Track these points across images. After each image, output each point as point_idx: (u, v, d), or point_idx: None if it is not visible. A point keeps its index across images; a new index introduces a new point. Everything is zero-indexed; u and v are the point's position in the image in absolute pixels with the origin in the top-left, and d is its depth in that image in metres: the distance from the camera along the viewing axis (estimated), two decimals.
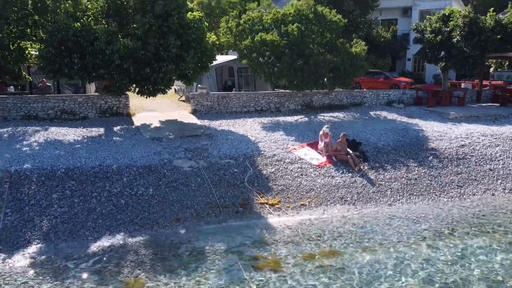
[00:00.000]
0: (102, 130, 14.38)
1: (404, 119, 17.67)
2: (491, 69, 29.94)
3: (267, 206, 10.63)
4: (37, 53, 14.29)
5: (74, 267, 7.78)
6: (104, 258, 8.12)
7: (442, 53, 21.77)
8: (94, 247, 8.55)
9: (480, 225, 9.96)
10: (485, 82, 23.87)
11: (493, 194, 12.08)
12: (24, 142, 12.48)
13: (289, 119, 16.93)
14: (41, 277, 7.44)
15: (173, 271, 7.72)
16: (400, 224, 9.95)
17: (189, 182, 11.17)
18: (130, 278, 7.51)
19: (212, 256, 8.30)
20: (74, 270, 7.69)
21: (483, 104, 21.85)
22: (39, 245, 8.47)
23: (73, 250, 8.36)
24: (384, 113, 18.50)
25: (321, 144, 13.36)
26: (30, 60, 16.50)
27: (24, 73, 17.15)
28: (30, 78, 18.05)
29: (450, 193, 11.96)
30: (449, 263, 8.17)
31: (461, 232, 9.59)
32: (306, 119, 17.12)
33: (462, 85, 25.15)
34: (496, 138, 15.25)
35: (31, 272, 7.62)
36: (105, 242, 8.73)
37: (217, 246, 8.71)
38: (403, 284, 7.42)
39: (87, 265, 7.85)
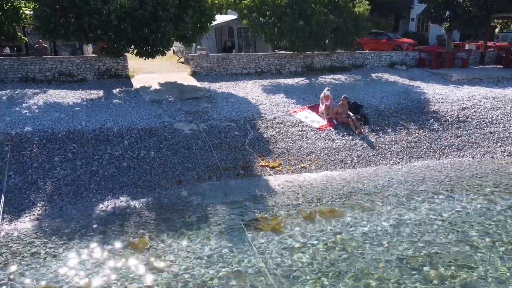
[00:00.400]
0: (101, 92, 14.26)
1: (406, 81, 17.51)
2: (496, 30, 29.31)
3: (268, 168, 10.72)
4: (32, 13, 13.93)
5: (79, 228, 7.95)
6: (108, 219, 8.27)
7: (447, 12, 21.24)
8: (97, 208, 8.69)
9: (478, 187, 10.09)
10: (489, 44, 23.44)
11: (492, 157, 12.17)
12: (24, 105, 12.41)
13: (290, 81, 16.76)
14: (46, 238, 7.61)
15: (176, 232, 7.90)
16: (399, 186, 10.08)
17: (190, 145, 11.20)
18: (134, 238, 7.68)
19: (214, 217, 8.46)
20: (79, 231, 7.86)
21: (486, 66, 21.57)
22: (44, 207, 8.60)
23: (77, 212, 8.51)
24: (386, 75, 18.30)
25: (322, 107, 13.30)
26: (25, 20, 16.12)
27: (19, 33, 16.78)
28: (26, 39, 17.68)
29: (450, 156, 12.04)
30: (446, 223, 8.35)
31: (459, 193, 9.73)
32: (307, 81, 16.95)
33: (466, 46, 24.71)
34: (498, 101, 15.17)
35: (37, 232, 7.78)
36: (108, 204, 8.87)
37: (218, 208, 8.86)
38: (401, 244, 7.60)
39: (92, 226, 8.01)
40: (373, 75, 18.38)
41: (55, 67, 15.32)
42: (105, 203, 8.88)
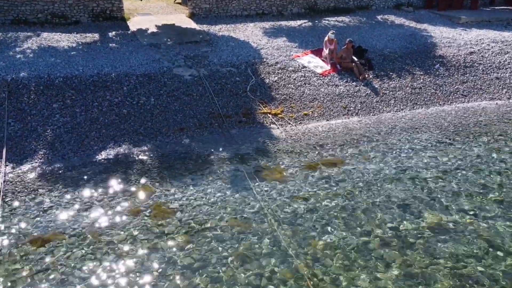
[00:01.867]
0: (96, 35, 13.75)
1: (413, 24, 16.87)
2: None
3: (270, 115, 10.59)
4: None
5: (82, 175, 7.97)
6: (111, 167, 8.28)
7: None
8: (99, 156, 8.67)
9: (481, 134, 10.04)
10: None
11: (497, 103, 12.00)
12: (17, 49, 11.99)
13: (292, 23, 16.13)
14: (50, 185, 7.65)
15: (178, 179, 7.94)
16: (403, 133, 10.02)
17: (190, 91, 10.98)
18: (138, 185, 7.73)
19: (216, 164, 8.47)
20: (81, 178, 7.89)
21: (496, 8, 20.71)
22: (46, 155, 8.57)
23: (79, 160, 8.50)
24: (392, 17, 17.60)
25: (325, 51, 12.90)
26: None
27: None
28: None
29: (454, 103, 11.87)
30: (448, 171, 8.38)
31: (462, 141, 9.69)
32: (310, 23, 16.32)
33: None
34: (506, 45, 14.71)
35: (41, 180, 7.81)
36: (110, 151, 8.84)
37: (221, 155, 8.85)
38: (403, 191, 7.68)
39: (94, 173, 8.03)
40: (379, 17, 17.67)
41: (47, 8, 14.63)
42: (107, 151, 8.85)
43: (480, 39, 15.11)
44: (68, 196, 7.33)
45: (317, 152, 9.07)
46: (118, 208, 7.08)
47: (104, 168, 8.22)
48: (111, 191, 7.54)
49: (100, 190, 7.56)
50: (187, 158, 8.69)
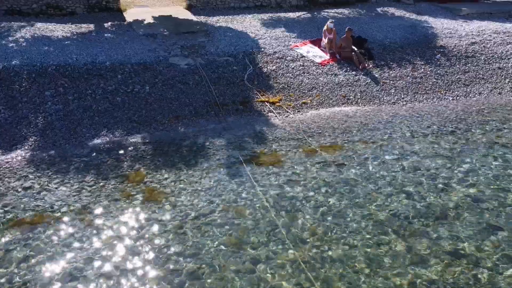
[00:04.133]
0: (92, 26, 13.51)
1: (413, 15, 16.64)
2: None
3: (268, 104, 10.35)
4: None
5: (73, 162, 7.73)
6: (103, 154, 8.04)
7: None
8: (92, 143, 8.44)
9: (483, 123, 9.79)
10: None
11: (499, 93, 11.76)
12: (10, 38, 11.75)
13: (291, 15, 15.89)
14: (40, 172, 7.41)
15: (173, 166, 7.70)
16: (403, 121, 9.78)
17: (186, 80, 10.74)
18: (130, 172, 7.49)
19: (212, 151, 8.23)
20: (73, 164, 7.65)
21: (497, 0, 20.49)
22: (37, 141, 8.33)
23: (71, 146, 8.26)
24: (391, 10, 17.37)
25: (324, 41, 12.66)
26: None
27: None
28: None
29: (456, 92, 11.62)
30: (450, 158, 8.14)
31: (463, 129, 9.45)
32: (309, 15, 16.08)
33: None
34: (508, 36, 14.46)
35: (30, 166, 7.57)
36: (103, 139, 8.60)
37: (217, 142, 8.60)
38: (404, 177, 7.44)
39: (86, 160, 7.80)
40: (378, 9, 17.43)
41: None
42: (100, 138, 8.61)
43: (481, 30, 14.87)
44: (57, 182, 7.09)
45: (315, 139, 8.82)
46: (109, 194, 6.84)
47: (96, 155, 7.98)
48: (102, 177, 7.30)
49: (91, 176, 7.32)
50: (182, 146, 8.45)
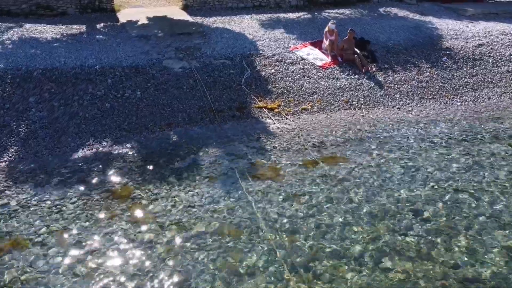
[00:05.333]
0: (83, 27, 12.95)
1: (417, 16, 16.08)
2: None
3: (266, 110, 9.79)
4: None
5: (56, 176, 7.15)
6: (89, 166, 7.47)
7: None
8: (77, 154, 7.86)
9: (495, 130, 9.23)
10: None
11: (510, 98, 11.20)
12: None
13: (291, 15, 15.33)
14: (18, 186, 6.84)
15: (163, 179, 7.13)
16: (410, 129, 9.22)
17: (180, 84, 10.18)
18: (117, 186, 6.92)
19: (205, 163, 7.66)
20: (55, 178, 7.07)
21: (502, 0, 19.94)
22: (17, 152, 7.77)
23: (54, 158, 7.69)
24: (394, 10, 16.80)
25: (325, 43, 12.09)
26: None
27: None
28: None
29: (464, 97, 11.06)
30: (461, 171, 7.58)
31: (474, 138, 8.89)
32: (309, 15, 15.51)
33: None
34: None
35: (7, 180, 7.00)
36: (88, 149, 8.03)
37: (211, 153, 8.04)
38: (412, 193, 6.88)
39: (70, 173, 7.22)
40: (381, 9, 16.86)
41: None
42: (85, 148, 8.03)
43: (488, 31, 14.32)
44: (37, 198, 6.52)
45: (316, 149, 8.26)
46: (92, 212, 6.27)
47: (80, 167, 7.40)
48: (86, 193, 6.73)
49: (73, 191, 6.74)
50: (173, 157, 7.88)
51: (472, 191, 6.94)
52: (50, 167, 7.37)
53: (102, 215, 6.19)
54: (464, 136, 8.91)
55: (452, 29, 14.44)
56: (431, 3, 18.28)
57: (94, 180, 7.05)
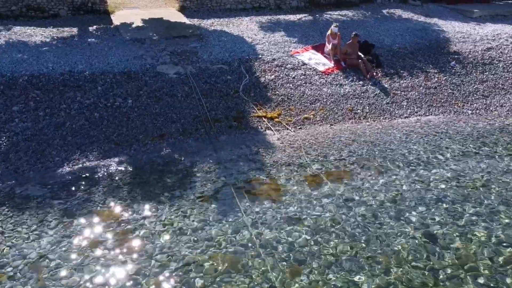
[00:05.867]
0: (75, 30, 12.39)
1: (422, 18, 15.51)
2: None
3: (265, 119, 9.21)
4: None
5: (37, 195, 6.58)
6: (73, 184, 6.89)
7: None
8: (61, 170, 7.28)
9: (510, 142, 8.66)
10: None
11: None
12: None
13: (291, 17, 14.75)
14: None
15: (154, 199, 6.55)
16: (419, 140, 8.64)
17: (175, 91, 9.60)
18: (103, 207, 6.34)
19: (200, 180, 7.09)
20: (36, 198, 6.50)
21: (509, 1, 19.35)
22: None
23: (35, 174, 7.11)
24: (398, 11, 16.23)
25: (328, 46, 11.52)
26: None
27: None
28: None
29: (475, 104, 10.47)
30: (476, 186, 7.01)
31: (488, 150, 8.32)
32: (311, 18, 14.94)
33: None
34: None
35: None
36: (74, 163, 7.44)
37: (206, 168, 7.46)
38: (422, 211, 6.32)
39: (52, 192, 6.64)
40: (384, 11, 16.29)
41: (21, 0, 13.27)
42: (70, 163, 7.45)
43: (497, 34, 13.75)
44: (12, 221, 5.94)
45: (319, 163, 7.68)
46: (75, 238, 5.70)
47: (63, 185, 6.81)
48: (68, 215, 6.15)
49: (54, 213, 6.17)
50: (165, 172, 7.31)
51: (483, 214, 6.36)
52: (30, 185, 6.78)
53: (85, 243, 5.61)
54: (476, 148, 8.33)
55: (459, 32, 13.88)
56: (436, 4, 17.72)
57: (78, 201, 6.47)
